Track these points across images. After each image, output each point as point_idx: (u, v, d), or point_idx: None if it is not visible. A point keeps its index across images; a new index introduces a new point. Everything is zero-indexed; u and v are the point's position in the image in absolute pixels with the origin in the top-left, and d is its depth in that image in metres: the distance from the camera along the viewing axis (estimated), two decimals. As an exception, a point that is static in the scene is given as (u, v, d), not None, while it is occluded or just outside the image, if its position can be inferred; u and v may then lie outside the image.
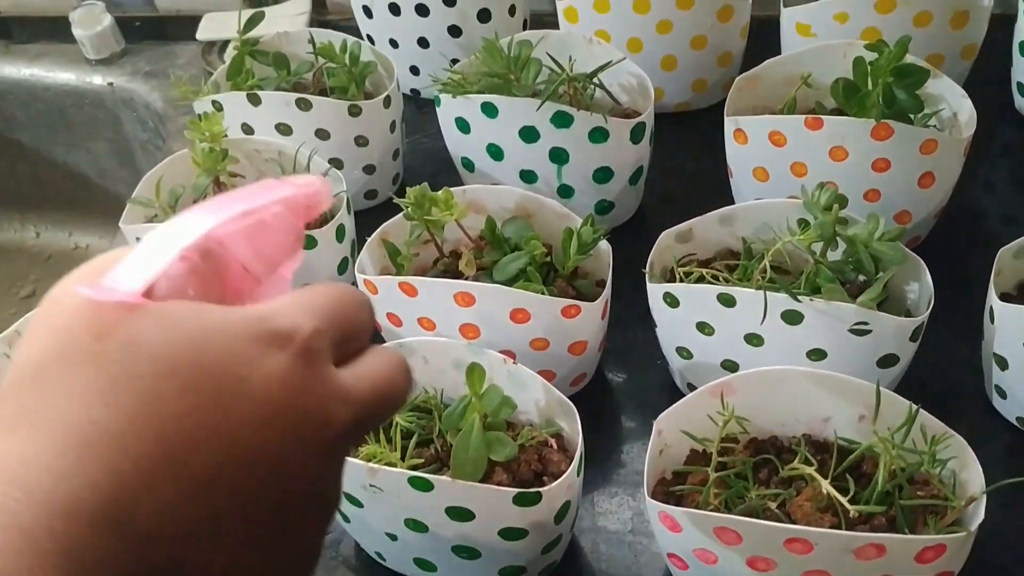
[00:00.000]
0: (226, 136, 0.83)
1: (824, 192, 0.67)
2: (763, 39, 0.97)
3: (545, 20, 1.07)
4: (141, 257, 0.28)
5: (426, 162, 0.98)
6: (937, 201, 0.79)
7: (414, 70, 1.03)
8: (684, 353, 0.71)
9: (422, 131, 1.00)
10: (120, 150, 1.20)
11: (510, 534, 0.60)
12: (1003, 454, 0.71)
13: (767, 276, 0.66)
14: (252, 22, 0.90)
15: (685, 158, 0.96)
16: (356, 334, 0.31)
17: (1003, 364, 0.68)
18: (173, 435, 0.25)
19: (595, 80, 0.80)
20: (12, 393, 0.26)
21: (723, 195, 0.86)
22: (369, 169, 0.90)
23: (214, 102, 0.87)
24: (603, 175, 0.83)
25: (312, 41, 0.90)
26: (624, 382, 0.77)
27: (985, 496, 0.55)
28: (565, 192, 0.85)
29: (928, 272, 0.68)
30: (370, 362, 0.31)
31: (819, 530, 0.53)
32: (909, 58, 0.75)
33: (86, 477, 0.24)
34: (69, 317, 0.26)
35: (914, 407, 0.57)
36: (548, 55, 0.80)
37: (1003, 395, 0.70)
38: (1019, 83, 0.93)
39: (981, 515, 0.54)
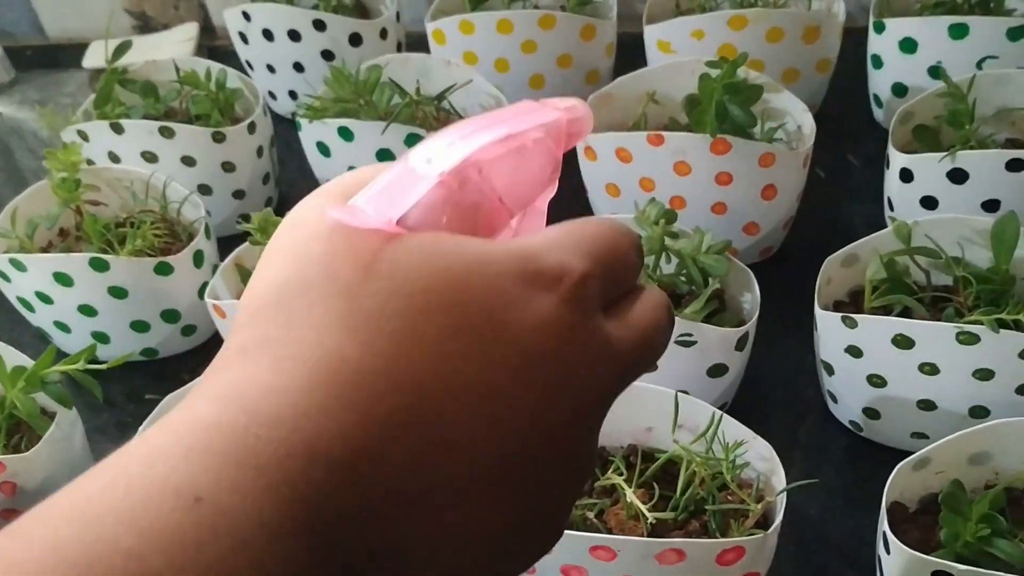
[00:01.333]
0: (91, 164, 0.84)
1: (654, 207, 0.69)
2: (632, 56, 0.99)
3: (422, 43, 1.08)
4: (395, 180, 0.25)
5: (306, 185, 0.99)
6: (783, 212, 0.81)
7: (292, 94, 1.04)
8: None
9: (302, 155, 1.01)
10: (12, 178, 1.20)
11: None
12: (842, 456, 0.73)
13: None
14: (120, 51, 0.91)
15: (556, 175, 0.97)
16: (627, 278, 0.27)
17: (830, 370, 0.70)
18: (430, 382, 0.22)
19: (443, 101, 0.81)
20: (252, 318, 0.23)
21: (585, 212, 0.88)
22: (239, 194, 0.91)
23: (80, 131, 0.88)
24: (462, 194, 0.84)
25: (177, 69, 0.91)
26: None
27: (784, 498, 0.57)
28: (427, 212, 0.86)
29: (756, 283, 0.70)
30: (637, 308, 0.27)
31: (620, 537, 0.55)
32: (762, 77, 0.77)
33: (332, 420, 0.21)
34: (318, 242, 0.24)
35: (717, 414, 0.59)
36: (391, 80, 0.81)
37: (835, 400, 0.72)
38: (875, 95, 0.96)
39: (778, 517, 0.56)
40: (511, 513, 0.24)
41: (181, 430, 0.21)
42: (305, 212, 0.25)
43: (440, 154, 0.25)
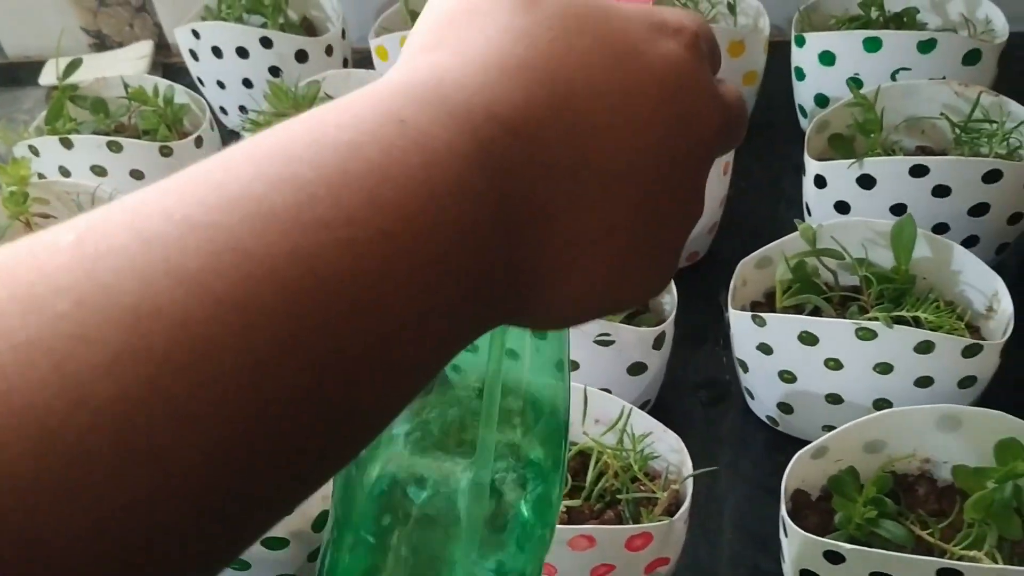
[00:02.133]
0: (41, 179, 0.87)
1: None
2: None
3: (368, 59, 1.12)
4: None
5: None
6: (707, 218, 0.85)
7: (243, 109, 1.08)
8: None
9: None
10: (-29, 194, 1.23)
11: (272, 543, 0.64)
12: (760, 450, 0.77)
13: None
14: (71, 68, 0.94)
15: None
16: (717, 57, 0.32)
17: (744, 367, 0.74)
18: (581, 80, 0.26)
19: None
20: (429, 30, 0.27)
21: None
22: (188, 206, 0.94)
23: (31, 146, 0.91)
24: (401, 204, 0.88)
25: (125, 85, 0.94)
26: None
27: (690, 486, 0.60)
28: (368, 221, 0.89)
29: (675, 286, 0.73)
30: (726, 85, 0.31)
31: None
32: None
33: (505, 92, 0.25)
34: None
35: (627, 407, 0.62)
36: (326, 94, 0.85)
37: (752, 396, 0.76)
38: (799, 105, 1.00)
39: (685, 503, 0.59)
40: (638, 219, 0.27)
41: (378, 87, 0.24)
42: None
43: None
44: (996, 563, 0.55)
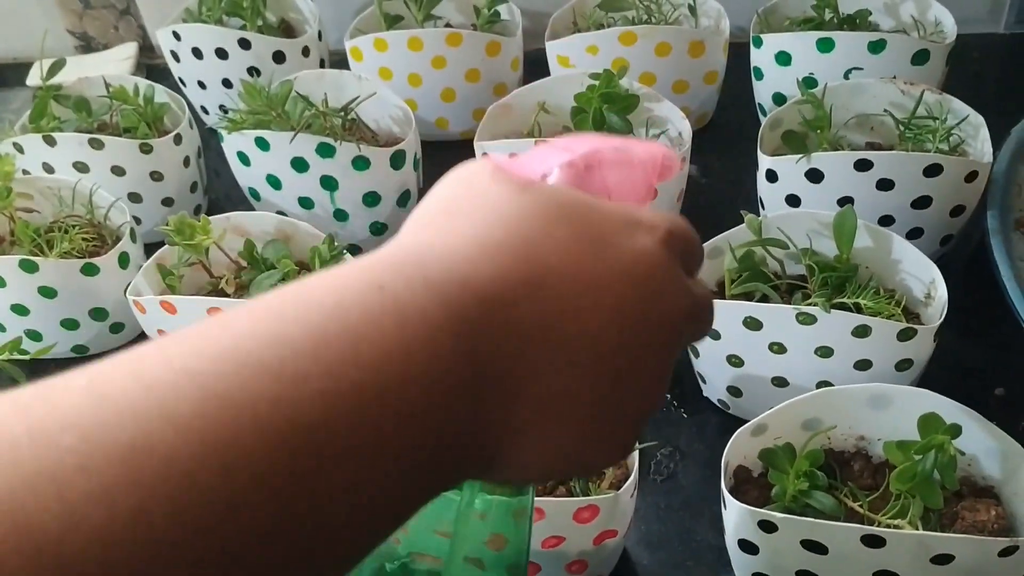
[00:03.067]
0: (26, 174, 0.90)
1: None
2: (537, 71, 1.06)
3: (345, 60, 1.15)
4: (542, 151, 0.35)
5: (236, 194, 1.06)
6: (664, 212, 0.88)
7: (223, 109, 1.11)
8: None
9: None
10: (-41, 192, 1.26)
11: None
12: (713, 432, 0.80)
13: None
14: (54, 68, 0.98)
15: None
16: (695, 257, 0.34)
17: (695, 352, 0.77)
18: (556, 264, 0.28)
19: (351, 113, 0.88)
20: (425, 212, 0.31)
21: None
22: (168, 202, 0.97)
23: (15, 144, 0.94)
24: (372, 199, 0.91)
25: (107, 85, 0.97)
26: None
27: (635, 461, 0.63)
28: (341, 216, 0.93)
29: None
30: (699, 283, 0.34)
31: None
32: (642, 88, 0.85)
33: (482, 268, 0.27)
34: (482, 175, 0.31)
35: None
36: (298, 93, 0.88)
37: (704, 381, 0.79)
38: (759, 104, 1.04)
39: (631, 478, 0.62)
40: (601, 392, 0.29)
41: (369, 257, 0.28)
42: (470, 164, 0.33)
43: (576, 144, 0.36)
44: (917, 531, 0.58)
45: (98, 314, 0.86)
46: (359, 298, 0.25)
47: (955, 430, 0.58)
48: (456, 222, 0.30)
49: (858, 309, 0.72)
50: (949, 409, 0.62)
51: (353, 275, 0.26)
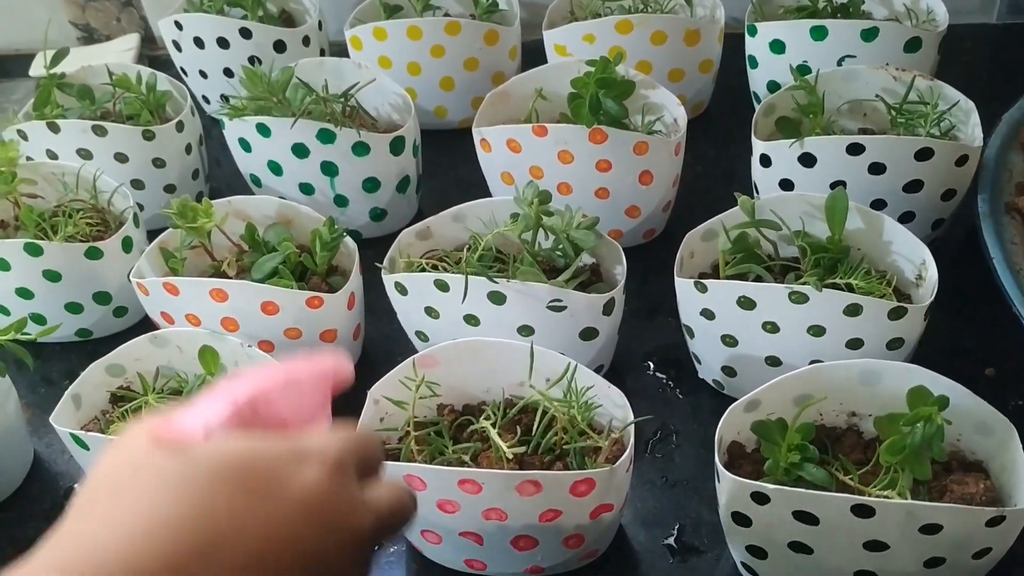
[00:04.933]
0: (30, 160, 0.91)
1: (530, 188, 0.77)
2: (535, 59, 1.07)
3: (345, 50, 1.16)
4: (201, 408, 0.37)
5: (237, 180, 1.07)
6: (660, 196, 0.90)
7: (224, 98, 1.12)
8: (422, 336, 0.81)
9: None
10: (-38, 182, 1.27)
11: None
12: (708, 412, 0.81)
13: (477, 261, 0.76)
14: (57, 58, 0.99)
15: (467, 168, 1.05)
16: (372, 463, 0.38)
17: (691, 333, 0.78)
18: (225, 525, 0.31)
19: (351, 100, 0.89)
20: (90, 490, 0.33)
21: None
22: (170, 189, 0.99)
23: (19, 131, 0.95)
24: (371, 185, 0.92)
25: (110, 73, 0.98)
26: (380, 367, 0.86)
27: (631, 435, 0.65)
28: (341, 201, 0.94)
29: (624, 256, 0.78)
30: (384, 487, 0.38)
31: (482, 471, 0.62)
32: (638, 75, 0.86)
33: (147, 547, 0.29)
34: (138, 445, 0.33)
35: (572, 364, 0.67)
36: (299, 79, 0.89)
37: (699, 361, 0.81)
38: (754, 92, 1.05)
39: (627, 452, 0.63)
40: None
41: (37, 560, 0.30)
42: (126, 435, 0.35)
43: (240, 386, 0.38)
44: (906, 500, 0.60)
45: (102, 298, 0.87)
46: None
47: (943, 401, 0.60)
48: (122, 501, 0.31)
49: (850, 289, 0.73)
50: (938, 384, 0.63)
51: None
